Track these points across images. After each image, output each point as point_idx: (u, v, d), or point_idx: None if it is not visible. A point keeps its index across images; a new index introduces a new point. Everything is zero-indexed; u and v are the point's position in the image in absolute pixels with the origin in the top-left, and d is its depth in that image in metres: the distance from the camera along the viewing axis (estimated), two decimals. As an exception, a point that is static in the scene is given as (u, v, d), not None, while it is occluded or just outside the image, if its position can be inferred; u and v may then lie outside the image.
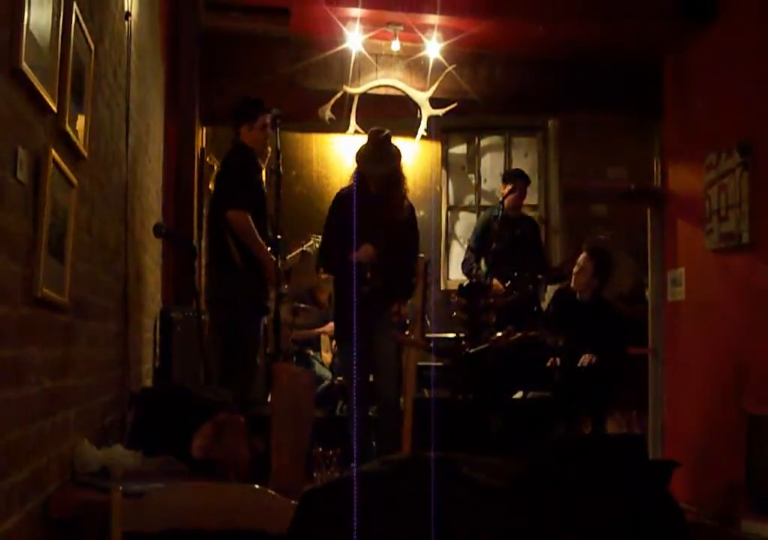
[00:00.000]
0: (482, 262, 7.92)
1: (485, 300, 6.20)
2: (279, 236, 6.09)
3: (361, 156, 6.46)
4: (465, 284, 6.43)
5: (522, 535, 1.80)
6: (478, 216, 9.50)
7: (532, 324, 6.99)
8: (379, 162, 6.37)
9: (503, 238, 7.81)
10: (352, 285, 5.88)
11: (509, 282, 7.46)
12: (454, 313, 6.22)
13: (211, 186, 7.66)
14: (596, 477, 1.92)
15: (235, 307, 6.04)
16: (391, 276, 6.16)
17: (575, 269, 7.36)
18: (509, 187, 7.98)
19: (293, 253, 7.02)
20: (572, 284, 7.41)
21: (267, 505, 2.63)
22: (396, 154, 6.45)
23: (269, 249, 6.03)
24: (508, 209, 7.89)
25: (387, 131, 6.47)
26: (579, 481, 1.90)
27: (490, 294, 7.03)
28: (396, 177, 6.43)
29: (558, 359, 6.96)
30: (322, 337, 8.47)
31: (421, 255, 5.67)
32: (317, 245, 7.42)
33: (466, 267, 8.04)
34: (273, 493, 2.65)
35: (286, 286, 6.50)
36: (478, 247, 8.03)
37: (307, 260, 7.11)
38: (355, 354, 6.01)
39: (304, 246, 7.38)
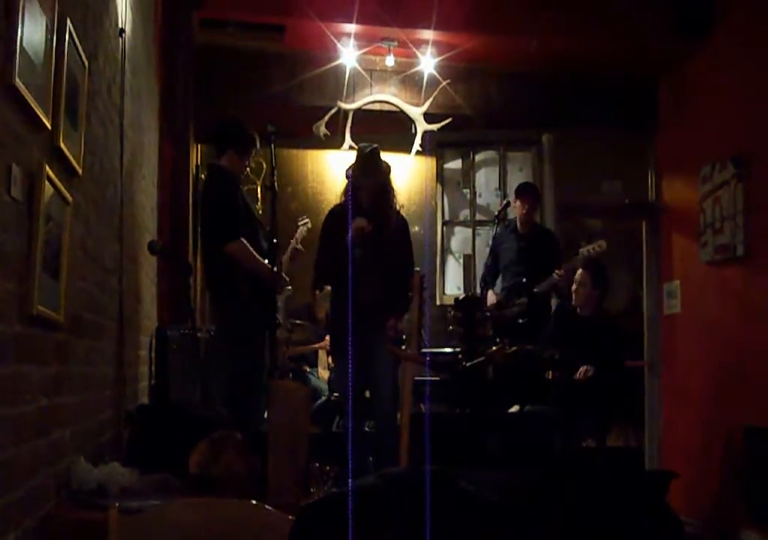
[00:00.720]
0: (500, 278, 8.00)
1: (481, 313, 6.18)
2: (275, 240, 6.05)
3: (351, 170, 6.50)
4: (461, 297, 6.42)
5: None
6: (473, 231, 9.52)
7: (530, 337, 6.99)
8: (368, 173, 6.40)
9: (506, 252, 7.86)
10: (349, 297, 5.88)
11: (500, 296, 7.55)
12: (450, 327, 6.21)
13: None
14: (595, 489, 1.92)
15: (246, 332, 6.01)
16: (387, 289, 6.17)
17: (574, 287, 7.36)
18: (516, 202, 8.00)
19: (285, 255, 6.97)
20: (574, 301, 7.39)
21: (264, 520, 2.61)
22: (385, 167, 6.49)
23: (266, 261, 6.02)
24: (519, 223, 7.93)
25: (375, 145, 6.51)
26: (577, 494, 1.89)
27: (486, 307, 7.05)
28: (386, 189, 6.47)
29: (556, 373, 6.96)
30: (320, 353, 8.45)
31: (417, 269, 5.67)
32: (305, 229, 7.37)
33: (479, 282, 8.13)
34: (270, 508, 2.64)
35: (290, 288, 6.49)
36: (489, 262, 8.09)
37: (299, 258, 7.07)
38: (350, 360, 6.00)
39: (295, 238, 7.29)
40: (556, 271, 7.39)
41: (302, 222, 7.36)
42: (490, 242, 8.13)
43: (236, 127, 6.36)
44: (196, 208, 7.32)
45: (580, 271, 7.33)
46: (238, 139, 6.27)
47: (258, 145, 6.33)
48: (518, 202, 7.93)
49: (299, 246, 7.02)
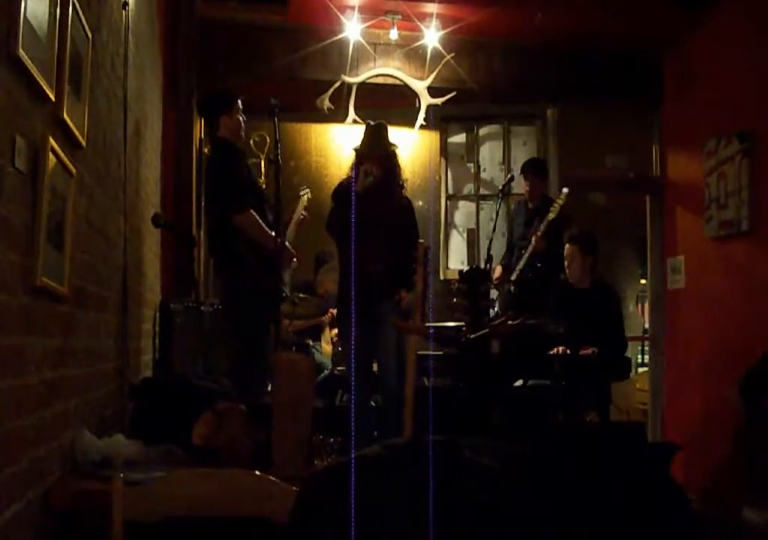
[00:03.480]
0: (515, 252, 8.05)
1: (486, 285, 6.19)
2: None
3: (359, 144, 6.53)
4: (465, 270, 6.43)
5: (523, 518, 1.79)
6: (477, 205, 9.52)
7: (533, 312, 7.00)
8: (374, 146, 6.44)
9: (517, 228, 7.90)
10: (359, 264, 5.89)
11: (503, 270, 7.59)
12: (455, 299, 6.21)
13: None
14: (598, 461, 1.92)
15: (252, 305, 6.00)
16: (394, 261, 6.18)
17: (566, 263, 7.37)
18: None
19: (290, 226, 7.02)
20: (569, 278, 7.40)
21: (268, 491, 2.62)
22: (390, 143, 6.53)
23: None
24: (529, 200, 7.98)
25: (382, 121, 6.55)
26: (581, 465, 1.90)
27: (491, 280, 7.08)
28: (392, 162, 6.48)
29: (561, 349, 6.96)
30: (323, 328, 8.47)
31: (421, 240, 5.66)
32: (306, 199, 7.42)
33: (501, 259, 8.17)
34: (274, 479, 2.65)
35: (296, 260, 6.51)
36: (507, 239, 8.19)
37: (305, 224, 7.13)
38: (354, 331, 6.01)
39: (298, 208, 7.36)
40: (534, 237, 7.48)
41: (303, 192, 7.42)
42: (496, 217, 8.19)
43: (214, 93, 6.42)
44: (201, 180, 7.32)
45: (567, 246, 7.35)
46: (219, 101, 6.27)
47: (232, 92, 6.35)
48: (523, 180, 8.00)
49: (304, 213, 7.08)
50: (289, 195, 7.32)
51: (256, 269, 5.96)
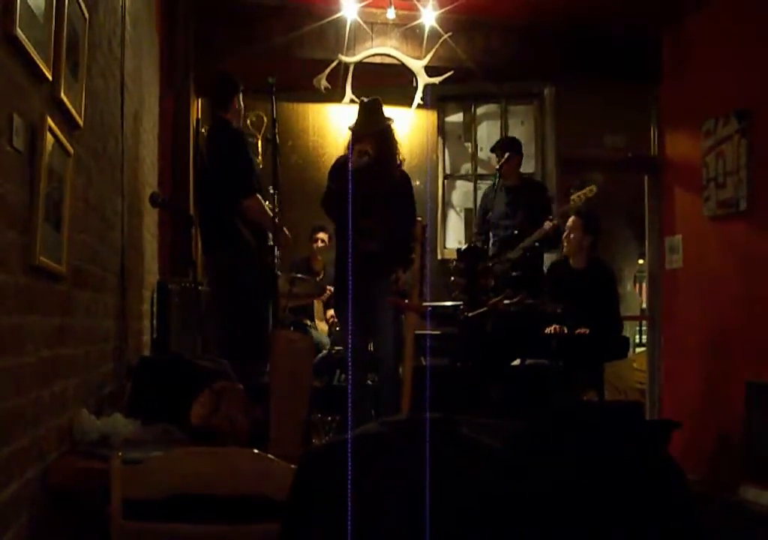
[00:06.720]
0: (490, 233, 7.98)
1: (483, 263, 6.19)
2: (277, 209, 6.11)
3: (354, 123, 6.52)
4: (463, 248, 6.43)
5: (520, 496, 1.80)
6: (474, 184, 9.52)
7: (530, 291, 6.99)
8: (369, 123, 6.42)
9: (496, 207, 7.81)
10: (355, 243, 5.88)
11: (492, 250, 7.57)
12: (453, 278, 6.21)
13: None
14: (596, 439, 1.93)
15: (252, 284, 6.05)
16: (390, 240, 6.17)
17: (565, 234, 7.34)
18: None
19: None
20: (565, 249, 7.38)
21: (266, 469, 2.63)
22: (386, 118, 6.51)
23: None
24: (503, 178, 7.87)
25: (376, 98, 6.54)
26: (579, 443, 1.90)
27: (488, 258, 7.06)
28: (387, 139, 6.45)
29: (558, 328, 6.96)
30: (315, 304, 8.48)
31: (419, 218, 5.65)
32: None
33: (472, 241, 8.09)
34: (272, 457, 2.66)
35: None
36: (478, 221, 8.07)
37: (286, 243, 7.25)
38: (350, 311, 6.01)
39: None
40: (547, 222, 7.38)
41: None
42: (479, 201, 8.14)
43: (227, 74, 6.51)
44: (197, 160, 7.32)
45: (571, 217, 7.33)
46: (233, 82, 6.34)
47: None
48: (496, 156, 7.90)
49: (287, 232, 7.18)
50: (286, 175, 7.33)
51: (253, 248, 6.01)
